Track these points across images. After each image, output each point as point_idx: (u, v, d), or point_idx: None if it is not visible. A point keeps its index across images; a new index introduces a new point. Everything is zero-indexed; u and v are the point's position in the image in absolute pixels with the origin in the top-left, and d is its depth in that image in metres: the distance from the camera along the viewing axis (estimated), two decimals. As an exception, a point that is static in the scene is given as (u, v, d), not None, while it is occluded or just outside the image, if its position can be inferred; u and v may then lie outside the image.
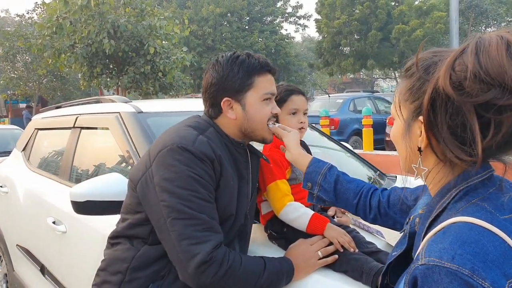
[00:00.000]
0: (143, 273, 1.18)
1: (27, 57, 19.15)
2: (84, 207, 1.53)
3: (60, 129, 2.67)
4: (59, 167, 2.47)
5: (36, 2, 18.97)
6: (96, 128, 2.29)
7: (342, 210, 1.50)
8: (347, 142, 6.03)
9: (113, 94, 11.24)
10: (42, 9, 15.36)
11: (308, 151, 1.63)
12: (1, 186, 3.02)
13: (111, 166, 2.08)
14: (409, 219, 0.90)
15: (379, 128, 7.62)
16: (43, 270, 2.35)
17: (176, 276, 1.13)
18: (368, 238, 1.36)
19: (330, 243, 1.27)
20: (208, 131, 1.22)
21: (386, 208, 1.16)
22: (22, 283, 2.69)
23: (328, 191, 1.17)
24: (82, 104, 2.70)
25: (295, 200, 1.38)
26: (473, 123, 0.62)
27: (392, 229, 1.18)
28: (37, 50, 10.04)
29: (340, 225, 1.36)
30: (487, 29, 18.10)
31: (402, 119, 0.77)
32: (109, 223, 1.42)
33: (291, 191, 1.40)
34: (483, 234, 0.61)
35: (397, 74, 26.45)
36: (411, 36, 15.64)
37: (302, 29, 37.34)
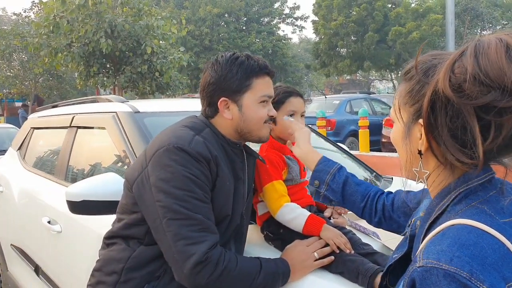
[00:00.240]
0: (138, 273, 1.17)
1: (23, 56, 19.04)
2: (80, 207, 1.52)
3: (56, 128, 2.66)
4: (55, 166, 2.46)
5: (33, 1, 18.85)
6: (92, 128, 2.28)
7: (339, 211, 1.51)
8: (344, 143, 6.03)
9: (110, 93, 11.22)
10: (39, 8, 15.31)
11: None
12: (-4, 185, 3.00)
13: (108, 166, 2.07)
14: (411, 222, 0.89)
15: (376, 129, 7.65)
16: (37, 270, 2.34)
17: (172, 277, 1.13)
18: (364, 239, 1.37)
19: (327, 244, 1.27)
20: (204, 132, 1.22)
21: (391, 211, 1.16)
22: (16, 283, 2.67)
23: (336, 191, 1.17)
24: (79, 103, 2.69)
25: (291, 201, 1.38)
26: (473, 126, 0.62)
27: (396, 232, 1.17)
28: (34, 48, 9.99)
29: (336, 227, 1.36)
30: (483, 31, 18.21)
31: (402, 122, 0.76)
32: (105, 223, 1.42)
33: (288, 192, 1.40)
34: (482, 237, 0.61)
35: (393, 76, 26.54)
36: (407, 38, 15.71)
37: (299, 30, 37.52)
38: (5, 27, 19.61)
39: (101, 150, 2.21)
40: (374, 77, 32.06)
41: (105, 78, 10.84)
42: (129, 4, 10.07)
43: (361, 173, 2.31)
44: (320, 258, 1.24)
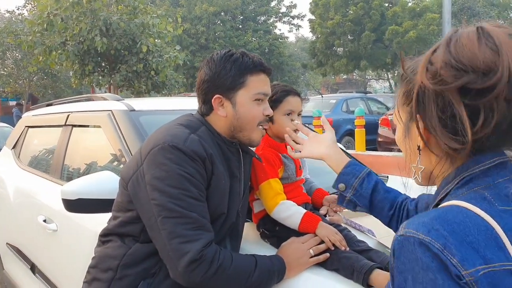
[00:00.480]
0: (133, 270, 1.17)
1: (17, 54, 18.93)
2: (76, 205, 1.52)
3: (51, 127, 2.65)
4: (50, 165, 2.45)
5: (27, -2, 18.77)
6: (88, 126, 2.27)
7: (335, 209, 1.51)
8: (340, 143, 6.06)
9: (105, 92, 11.16)
10: (33, 6, 15.20)
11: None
12: (-10, 184, 2.99)
13: (103, 164, 2.06)
14: None
15: (372, 128, 7.67)
16: (33, 268, 2.33)
17: (167, 274, 1.13)
18: (360, 236, 1.37)
19: (322, 242, 1.27)
20: (200, 130, 1.22)
21: None
22: (12, 282, 2.66)
23: (364, 197, 1.12)
24: (74, 102, 2.68)
25: (287, 199, 1.38)
26: (460, 111, 0.64)
27: None
28: (28, 47, 9.91)
29: (332, 224, 1.37)
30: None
31: (401, 123, 0.79)
32: (101, 221, 1.42)
33: (284, 190, 1.41)
34: (470, 218, 0.63)
35: (390, 75, 26.61)
36: (404, 37, 15.76)
37: (296, 29, 37.48)
38: (-1, 25, 19.47)
39: (97, 149, 2.20)
40: (370, 77, 32.14)
41: (100, 77, 10.79)
42: (124, 2, 10.03)
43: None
44: (315, 255, 1.24)
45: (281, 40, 24.75)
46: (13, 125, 8.54)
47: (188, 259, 1.05)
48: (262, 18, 25.10)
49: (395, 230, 1.16)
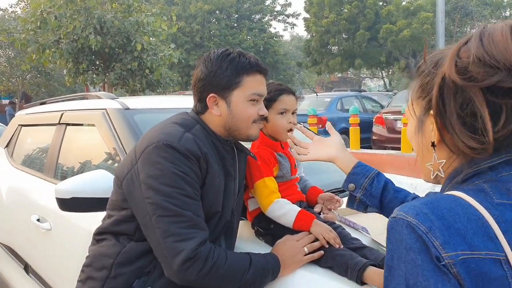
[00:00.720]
0: (128, 268, 1.17)
1: (10, 52, 18.76)
2: (70, 204, 1.51)
3: (44, 125, 2.63)
4: (43, 164, 2.43)
5: (20, -4, 18.57)
6: (82, 125, 2.26)
7: (329, 206, 1.52)
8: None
9: (100, 91, 11.09)
10: (26, 3, 15.06)
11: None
12: (-17, 183, 2.96)
13: (97, 163, 2.06)
14: None
15: (366, 127, 7.70)
16: (27, 268, 2.32)
17: (162, 272, 1.13)
18: (354, 234, 1.38)
19: (316, 239, 1.28)
20: (194, 128, 1.22)
21: None
22: (6, 282, 2.64)
23: (374, 196, 1.13)
24: (68, 100, 2.67)
25: (282, 197, 1.39)
26: (483, 110, 0.62)
27: None
28: (21, 45, 9.81)
29: (326, 222, 1.37)
30: (472, 30, 18.40)
31: (414, 117, 0.77)
32: (95, 220, 1.41)
33: (279, 188, 1.41)
34: (462, 206, 0.63)
35: (384, 74, 26.71)
36: (398, 36, 15.81)
37: (291, 28, 37.51)
38: (-8, 23, 19.25)
39: (91, 147, 2.19)
40: (365, 75, 32.24)
41: (94, 75, 10.71)
42: (118, 0, 9.97)
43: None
44: (310, 253, 1.25)
45: (276, 39, 24.72)
46: (6, 124, 8.46)
47: (182, 257, 1.06)
48: (257, 17, 25.06)
49: None
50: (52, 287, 2.04)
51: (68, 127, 2.30)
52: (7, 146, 3.07)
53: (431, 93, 0.70)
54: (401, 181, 2.32)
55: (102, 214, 1.32)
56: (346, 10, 17.75)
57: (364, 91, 18.58)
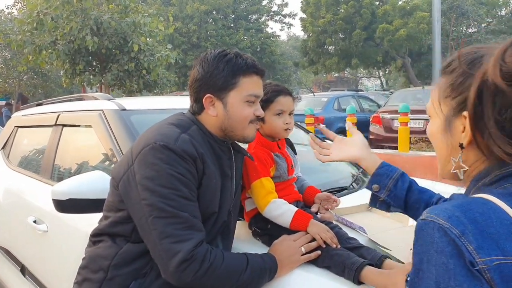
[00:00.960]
0: (125, 270, 1.17)
1: (6, 53, 18.67)
2: (66, 206, 1.51)
3: (41, 126, 2.62)
4: (40, 165, 2.42)
5: (16, -3, 18.50)
6: (78, 126, 2.26)
7: (326, 206, 1.52)
8: (332, 140, 6.06)
9: (96, 91, 11.07)
10: (22, 5, 14.99)
11: (294, 150, 1.64)
12: (-21, 185, 2.95)
13: (94, 164, 2.05)
14: None
15: (363, 126, 7.71)
16: (23, 270, 2.31)
17: (158, 274, 1.13)
18: (351, 234, 1.38)
19: (313, 239, 1.28)
20: (191, 129, 1.22)
21: None
22: (2, 284, 2.63)
23: (399, 197, 1.12)
24: (64, 101, 2.66)
25: (279, 197, 1.39)
26: None
27: None
28: (17, 46, 9.77)
29: (323, 221, 1.37)
30: (468, 29, 18.47)
31: (441, 116, 0.75)
32: (92, 221, 1.41)
33: (275, 188, 1.41)
34: (494, 210, 0.63)
35: (381, 73, 26.75)
36: (394, 35, 15.84)
37: (288, 28, 37.52)
38: (-12, 24, 19.17)
39: (88, 149, 2.19)
40: (362, 75, 32.29)
41: (91, 76, 10.68)
42: (115, 1, 9.94)
43: (348, 169, 2.34)
44: (307, 253, 1.25)
45: (272, 39, 24.73)
46: (3, 125, 8.42)
47: (179, 259, 1.05)
48: (254, 17, 25.06)
49: None
50: (49, 289, 2.03)
51: (64, 128, 2.29)
52: (3, 147, 3.06)
53: (464, 94, 0.69)
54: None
55: (99, 216, 1.32)
56: (342, 10, 17.78)
57: (361, 90, 18.63)
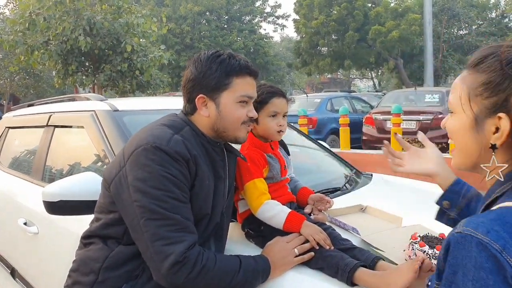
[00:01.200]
0: (116, 273, 1.16)
1: (-2, 54, 18.48)
2: (57, 207, 1.49)
3: (32, 127, 2.59)
4: (31, 166, 2.40)
5: (8, -3, 18.34)
6: (70, 127, 2.24)
7: (319, 207, 1.52)
8: (325, 141, 6.10)
9: (89, 92, 10.99)
10: (15, 5, 14.85)
11: (287, 151, 1.64)
12: (-31, 187, 2.91)
13: (86, 165, 2.03)
14: None
15: (356, 127, 7.74)
16: (13, 273, 2.28)
17: (150, 276, 1.12)
18: (344, 235, 1.38)
19: (307, 241, 1.28)
20: (183, 130, 1.21)
21: None
22: (-8, 287, 2.60)
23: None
24: (56, 102, 2.63)
25: (272, 198, 1.39)
26: None
27: None
28: (9, 46, 9.67)
29: (316, 223, 1.37)
30: (459, 31, 18.64)
31: (470, 114, 0.73)
32: (83, 223, 1.39)
33: (269, 190, 1.41)
34: None
35: (373, 74, 26.89)
36: (387, 37, 15.93)
37: (281, 29, 37.60)
38: (-21, 24, 18.96)
39: (80, 150, 2.17)
40: (354, 76, 32.44)
41: (84, 77, 10.61)
42: (108, 1, 9.89)
43: (342, 170, 2.34)
44: (300, 255, 1.25)
45: (266, 40, 24.76)
46: (-7, 126, 8.30)
47: (171, 261, 1.05)
48: (247, 18, 25.08)
49: None
50: (40, 292, 2.01)
51: (56, 129, 2.27)
52: (-7, 149, 3.02)
53: (500, 95, 0.67)
54: (389, 180, 2.34)
55: (90, 218, 1.31)
56: (335, 12, 17.84)
57: (354, 91, 18.72)
